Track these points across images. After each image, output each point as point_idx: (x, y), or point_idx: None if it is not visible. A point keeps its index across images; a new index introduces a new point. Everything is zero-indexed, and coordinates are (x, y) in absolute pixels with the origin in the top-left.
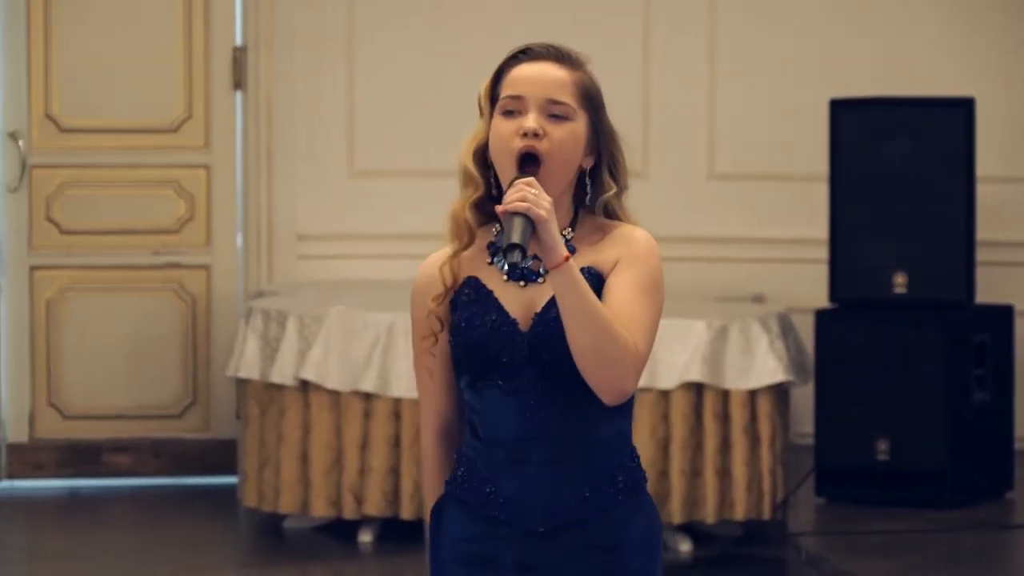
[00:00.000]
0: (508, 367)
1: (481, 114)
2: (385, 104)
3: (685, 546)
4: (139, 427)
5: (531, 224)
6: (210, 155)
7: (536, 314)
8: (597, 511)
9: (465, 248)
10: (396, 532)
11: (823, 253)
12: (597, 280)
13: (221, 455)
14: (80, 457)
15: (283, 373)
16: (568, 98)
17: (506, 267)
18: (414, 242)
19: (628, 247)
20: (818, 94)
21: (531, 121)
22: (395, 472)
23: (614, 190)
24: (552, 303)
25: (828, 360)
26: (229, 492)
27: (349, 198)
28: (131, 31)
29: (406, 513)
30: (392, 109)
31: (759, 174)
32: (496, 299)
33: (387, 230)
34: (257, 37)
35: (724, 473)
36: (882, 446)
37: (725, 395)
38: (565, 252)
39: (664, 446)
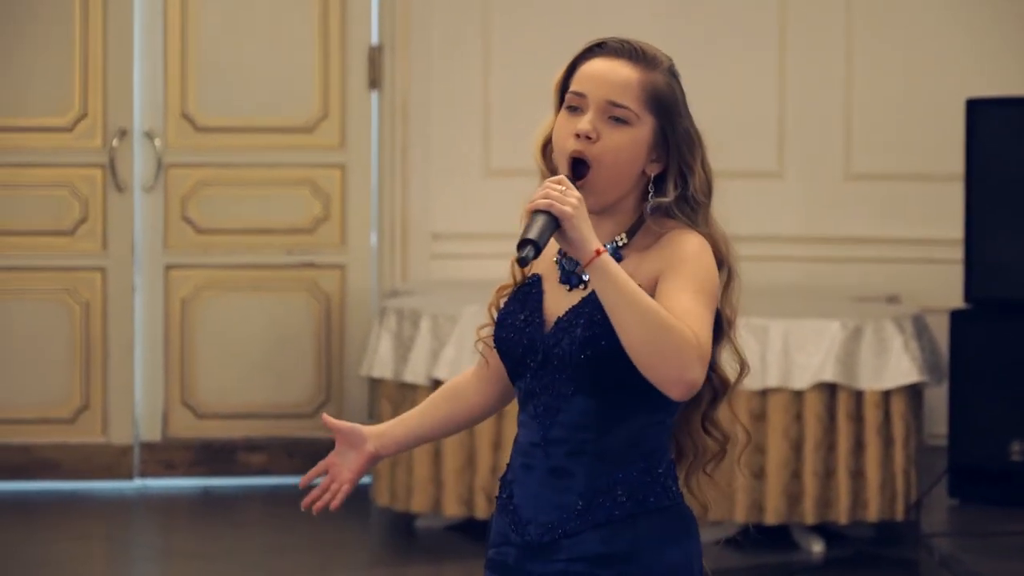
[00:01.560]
0: (531, 369)
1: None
2: (520, 103)
3: (818, 547)
4: (273, 426)
5: (554, 222)
6: (345, 154)
7: (559, 317)
8: (589, 525)
9: (537, 254)
10: None
11: (958, 253)
12: None
13: None
14: (214, 456)
15: (416, 372)
16: (631, 101)
17: (519, 260)
18: None
19: (675, 250)
20: (955, 93)
21: (585, 123)
22: None
23: (670, 198)
24: (575, 308)
25: (962, 360)
26: (361, 491)
27: (484, 197)
28: (267, 30)
29: None
30: (527, 108)
31: (895, 174)
32: (540, 299)
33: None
34: (393, 36)
35: (857, 474)
36: (1016, 447)
37: (859, 396)
38: (596, 247)
39: (797, 446)
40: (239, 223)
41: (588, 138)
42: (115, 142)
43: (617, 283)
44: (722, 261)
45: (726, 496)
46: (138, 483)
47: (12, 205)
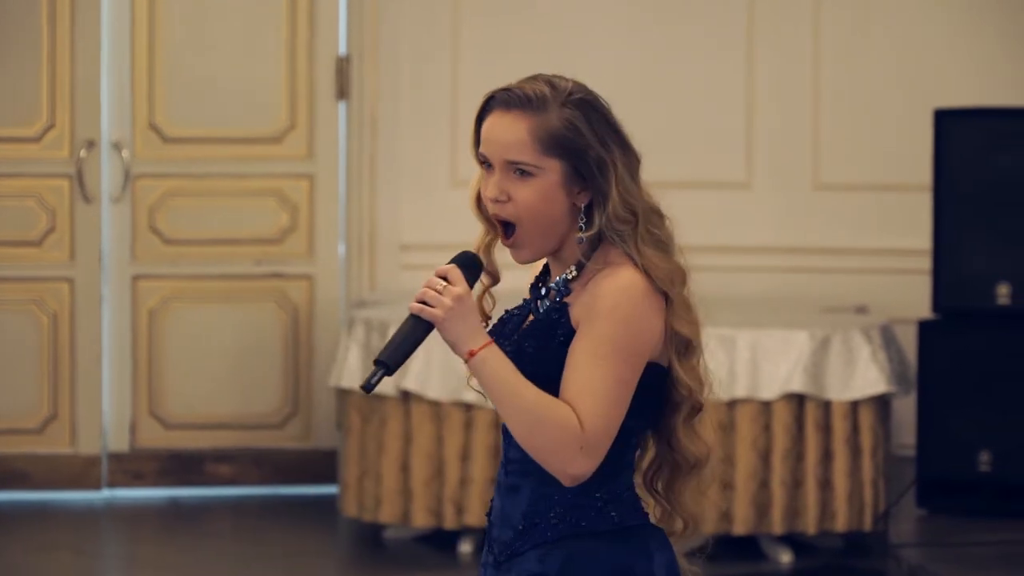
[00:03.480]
0: None
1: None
2: None
3: (786, 557)
4: (240, 437)
5: (426, 326)
6: (313, 165)
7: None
8: (529, 545)
9: (492, 285)
10: None
11: (926, 264)
12: (559, 318)
13: (322, 465)
14: (181, 466)
15: (384, 383)
16: (527, 155)
17: (363, 386)
18: None
19: (595, 301)
20: (924, 104)
21: (491, 187)
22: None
23: (594, 229)
24: (520, 332)
25: (930, 371)
26: (330, 502)
27: (452, 207)
28: (235, 40)
29: None
30: None
31: (864, 184)
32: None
33: None
34: (361, 46)
35: (825, 484)
36: (984, 457)
37: (827, 406)
38: (468, 348)
39: (765, 456)
40: (207, 234)
41: (499, 200)
42: (83, 153)
43: (492, 385)
44: (665, 287)
45: (708, 510)
46: (106, 493)
47: None
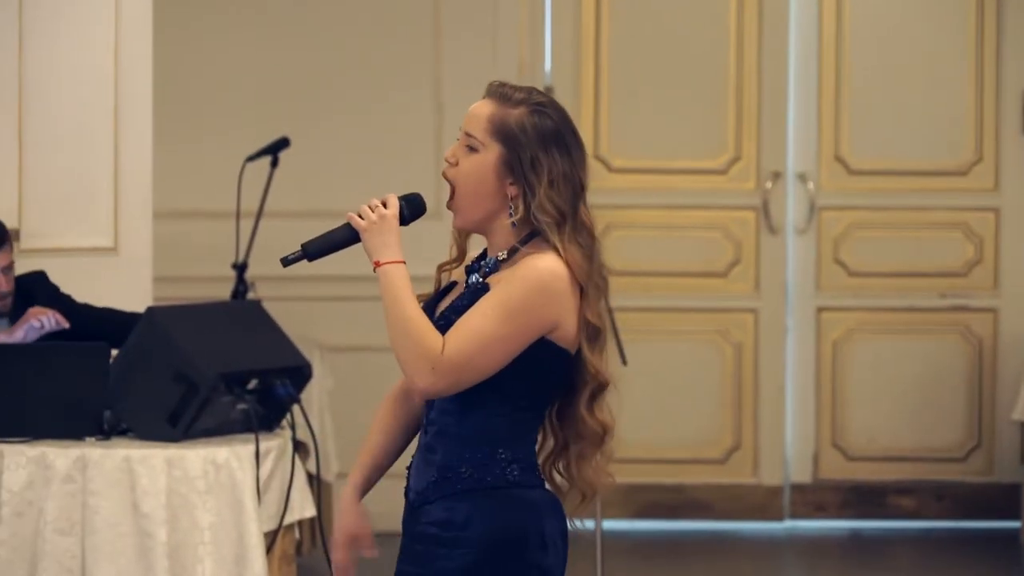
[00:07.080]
0: None
1: None
2: None
3: None
4: (922, 469)
5: (352, 233)
6: (999, 198)
7: (434, 316)
8: (439, 495)
9: (456, 261)
10: None
11: None
12: (482, 291)
13: (1005, 499)
14: (863, 498)
15: None
16: (479, 132)
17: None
18: None
19: (513, 271)
20: None
21: (449, 150)
22: None
23: (518, 216)
24: (448, 308)
25: None
26: (1011, 537)
27: None
28: (922, 73)
29: None
30: None
31: None
32: (437, 300)
33: None
34: None
35: None
36: None
37: None
38: (376, 259)
39: None
40: (891, 266)
41: (448, 162)
42: (768, 184)
43: (387, 291)
44: (582, 280)
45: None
46: (788, 524)
47: (666, 247)
